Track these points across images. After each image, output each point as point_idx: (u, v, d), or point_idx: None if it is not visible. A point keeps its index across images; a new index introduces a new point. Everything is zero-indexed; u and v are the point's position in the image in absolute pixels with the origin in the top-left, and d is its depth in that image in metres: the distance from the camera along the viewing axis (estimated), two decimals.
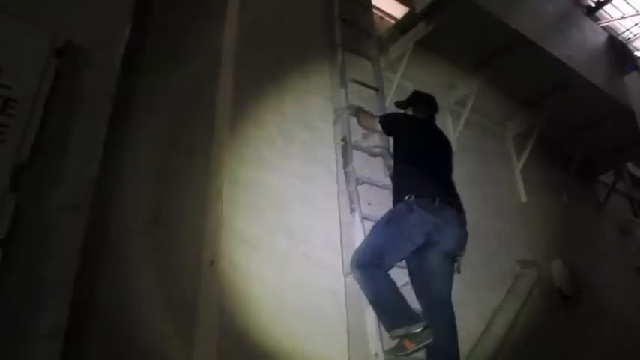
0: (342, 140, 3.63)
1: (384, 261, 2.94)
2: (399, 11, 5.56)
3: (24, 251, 2.63)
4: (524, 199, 5.65)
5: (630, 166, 7.65)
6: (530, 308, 4.87)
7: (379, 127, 3.61)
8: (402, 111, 3.75)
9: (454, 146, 4.96)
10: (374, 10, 5.29)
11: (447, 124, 5.16)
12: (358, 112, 3.75)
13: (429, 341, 2.75)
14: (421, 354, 2.88)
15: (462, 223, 3.17)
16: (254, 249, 3.03)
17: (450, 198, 3.17)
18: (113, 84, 3.20)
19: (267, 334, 2.89)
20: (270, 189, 3.28)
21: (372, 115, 3.73)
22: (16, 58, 2.92)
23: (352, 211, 3.34)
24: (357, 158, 3.58)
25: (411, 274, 3.15)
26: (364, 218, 3.32)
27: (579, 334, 5.31)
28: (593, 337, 5.41)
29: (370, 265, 2.93)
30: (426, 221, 2.98)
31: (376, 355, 2.89)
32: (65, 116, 2.98)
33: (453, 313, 3.03)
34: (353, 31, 4.49)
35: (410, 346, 2.76)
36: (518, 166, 5.76)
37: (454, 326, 2.99)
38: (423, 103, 3.72)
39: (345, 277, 3.29)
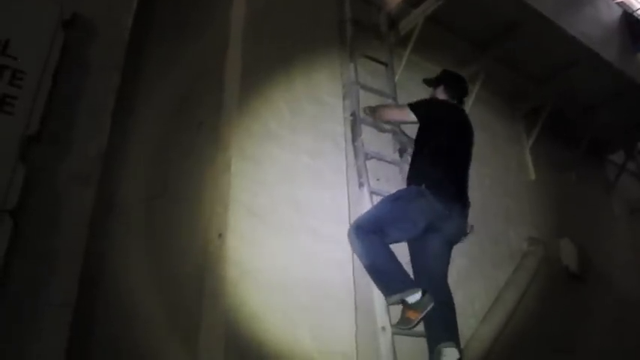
0: (351, 115, 3.61)
1: (383, 233, 2.92)
2: None
3: (34, 222, 2.66)
4: (533, 176, 5.60)
5: None
6: (537, 286, 4.86)
7: (408, 116, 3.40)
8: (429, 91, 3.68)
9: None
10: None
11: None
12: (375, 110, 3.61)
13: (431, 306, 2.75)
14: None
15: (465, 215, 3.20)
16: (262, 222, 3.03)
17: (460, 194, 3.20)
18: (121, 56, 3.20)
19: (275, 307, 2.91)
20: (279, 163, 3.27)
21: (395, 106, 3.62)
22: (24, 30, 2.92)
23: (360, 185, 3.33)
24: (366, 133, 3.56)
25: (411, 257, 3.15)
26: (372, 193, 3.32)
27: (586, 312, 5.31)
28: (601, 316, 5.41)
29: (369, 231, 2.90)
30: (433, 209, 3.00)
31: (383, 328, 2.91)
32: (73, 88, 2.99)
33: (450, 298, 3.03)
34: (362, 6, 4.44)
35: (414, 316, 2.78)
36: (528, 143, 5.70)
37: (451, 310, 2.98)
38: (455, 85, 3.63)
39: (353, 251, 3.29)
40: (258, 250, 2.99)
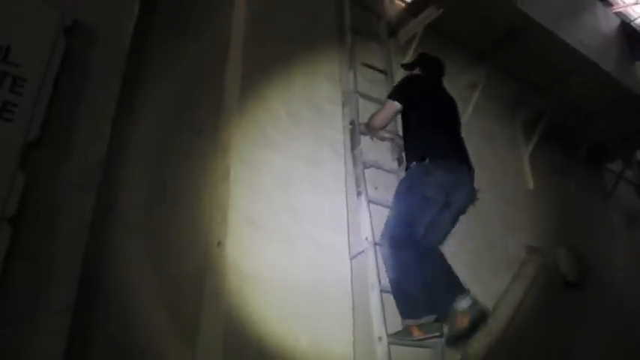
0: (350, 123, 3.63)
1: (415, 231, 2.94)
2: None
3: (33, 229, 2.65)
4: (531, 184, 5.61)
5: (639, 154, 7.59)
6: (535, 294, 4.85)
7: (393, 106, 3.42)
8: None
9: (463, 131, 4.95)
10: None
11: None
12: (368, 124, 3.59)
13: (436, 334, 2.77)
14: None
15: (473, 180, 3.24)
16: (260, 230, 3.04)
17: (463, 157, 3.24)
18: (121, 62, 3.20)
19: (273, 314, 2.92)
20: (278, 170, 3.28)
21: (379, 108, 3.59)
22: (25, 37, 2.92)
23: (359, 194, 3.34)
24: (365, 141, 3.57)
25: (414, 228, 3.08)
26: (370, 202, 3.33)
27: (585, 321, 5.31)
28: (599, 324, 5.41)
29: (404, 245, 2.90)
30: (444, 181, 3.05)
31: (380, 338, 2.91)
32: (74, 94, 2.99)
33: (442, 257, 3.04)
34: (363, 14, 4.46)
35: (417, 333, 2.80)
36: (527, 151, 5.71)
37: (444, 270, 2.95)
38: (429, 63, 3.71)
39: (350, 259, 3.31)
40: (256, 258, 3.00)
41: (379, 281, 3.04)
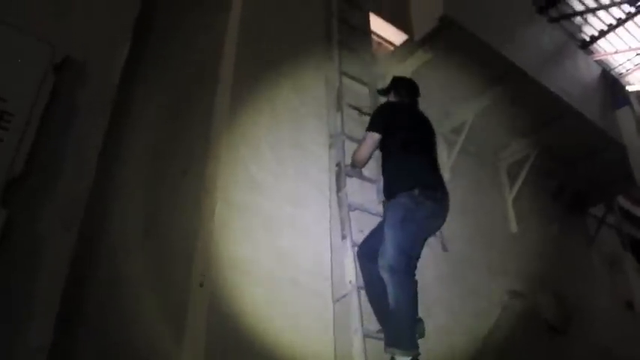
0: (336, 165, 3.64)
1: (412, 258, 3.06)
2: (398, 38, 5.62)
3: (13, 264, 2.62)
4: (514, 229, 5.65)
5: (621, 200, 7.70)
6: (518, 340, 4.85)
7: (373, 137, 3.41)
8: (384, 99, 3.81)
9: (448, 174, 5.00)
10: (373, 36, 5.36)
11: (442, 151, 5.17)
12: (352, 161, 3.60)
13: None
14: None
15: (448, 209, 3.31)
16: (244, 272, 3.01)
17: (443, 184, 3.32)
18: (110, 99, 3.22)
19: (255, 357, 2.87)
20: (262, 211, 3.27)
21: (360, 145, 3.55)
22: (15, 72, 2.94)
23: (343, 237, 3.34)
24: (350, 184, 3.58)
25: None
26: (355, 245, 3.32)
27: None
28: None
29: (403, 271, 2.99)
30: (432, 210, 3.15)
31: None
32: (61, 130, 3.00)
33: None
34: (351, 56, 4.53)
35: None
36: (510, 195, 5.77)
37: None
38: (403, 87, 3.77)
39: (333, 303, 3.28)
40: (239, 300, 2.96)
41: (362, 325, 3.02)
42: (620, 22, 8.50)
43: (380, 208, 3.61)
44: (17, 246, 2.66)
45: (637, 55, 8.98)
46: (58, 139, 2.97)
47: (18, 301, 2.61)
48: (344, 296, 3.20)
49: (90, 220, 2.92)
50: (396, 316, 2.94)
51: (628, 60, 9.09)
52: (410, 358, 2.81)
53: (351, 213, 3.46)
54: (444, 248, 3.37)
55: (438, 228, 3.38)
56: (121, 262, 3.00)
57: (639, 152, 6.11)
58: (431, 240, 4.28)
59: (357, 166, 3.58)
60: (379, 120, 3.50)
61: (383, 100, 3.90)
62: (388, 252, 3.04)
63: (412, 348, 2.86)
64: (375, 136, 3.41)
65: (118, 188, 3.18)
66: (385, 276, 3.00)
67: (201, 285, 2.91)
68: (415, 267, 3.11)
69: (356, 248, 3.31)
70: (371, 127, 3.46)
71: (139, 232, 3.09)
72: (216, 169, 3.22)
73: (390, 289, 2.97)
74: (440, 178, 3.39)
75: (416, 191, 3.11)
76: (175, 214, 3.17)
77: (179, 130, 3.47)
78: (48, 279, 2.71)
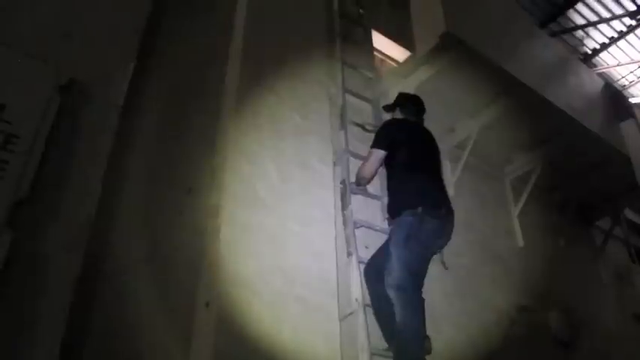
0: (341, 183, 3.64)
1: (418, 276, 3.06)
2: (401, 55, 5.65)
3: (18, 287, 2.61)
4: (521, 243, 5.62)
5: (627, 212, 7.66)
6: (526, 354, 4.81)
7: (378, 154, 3.41)
8: (390, 115, 3.82)
9: (452, 190, 5.00)
10: (375, 53, 5.39)
11: (446, 166, 5.18)
12: (356, 179, 3.59)
13: None
14: None
15: (453, 223, 3.32)
16: (250, 291, 3.01)
17: (447, 202, 3.33)
18: (115, 121, 3.23)
19: None
20: (268, 231, 3.27)
21: (364, 162, 3.55)
22: (20, 95, 2.95)
23: (349, 254, 3.33)
24: (356, 201, 3.58)
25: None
26: (361, 262, 3.32)
27: None
28: None
29: (410, 290, 2.99)
30: (437, 228, 3.17)
31: None
32: (66, 153, 3.00)
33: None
34: (354, 74, 4.55)
35: None
36: (516, 210, 5.75)
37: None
38: (410, 103, 3.79)
39: (340, 321, 3.27)
40: (245, 320, 2.95)
41: (369, 343, 3.00)
42: (622, 35, 8.53)
43: (385, 225, 3.61)
44: (22, 268, 2.64)
45: (639, 67, 8.99)
46: (63, 161, 2.96)
47: (23, 323, 2.60)
48: (350, 314, 3.19)
49: (95, 241, 2.91)
50: (403, 334, 2.94)
51: (631, 72, 9.10)
52: None
53: (356, 230, 3.45)
54: (445, 266, 3.35)
55: (443, 246, 3.38)
56: (127, 283, 2.99)
57: None
58: (437, 256, 4.30)
59: (361, 184, 3.56)
60: (384, 137, 3.49)
61: (387, 116, 3.90)
62: (395, 271, 3.03)
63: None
64: (380, 154, 3.41)
65: (123, 209, 3.18)
66: (392, 294, 2.99)
67: (207, 305, 2.91)
68: (422, 285, 3.10)
69: (362, 265, 3.30)
70: (376, 145, 3.46)
71: (145, 252, 3.08)
72: (220, 188, 3.23)
73: (397, 308, 2.96)
74: (445, 195, 3.39)
75: (420, 209, 3.11)
76: (181, 234, 3.16)
77: (184, 150, 3.48)
78: (53, 301, 2.69)
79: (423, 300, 3.03)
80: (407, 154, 3.36)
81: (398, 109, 3.76)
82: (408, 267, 3.03)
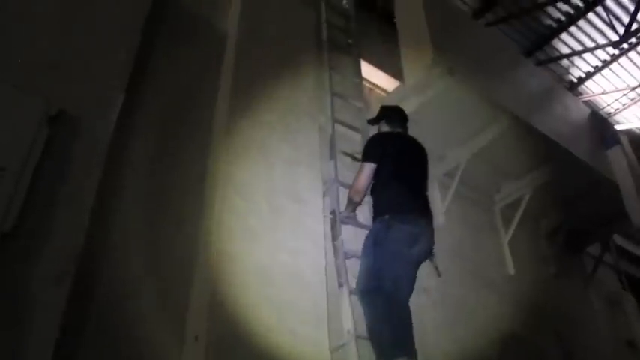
0: (331, 213, 3.62)
1: (384, 280, 3.01)
2: (390, 84, 5.71)
3: (4, 322, 2.56)
4: (511, 270, 5.61)
5: (617, 238, 7.69)
6: None
7: (369, 168, 3.40)
8: (375, 127, 3.87)
9: (442, 218, 5.00)
10: (364, 83, 5.44)
11: (436, 195, 5.19)
12: (347, 198, 3.57)
13: None
14: None
15: (432, 232, 3.32)
16: (240, 324, 2.97)
17: (423, 210, 3.34)
18: (103, 153, 3.21)
19: None
20: (258, 262, 3.25)
21: (357, 176, 3.51)
22: (8, 125, 2.93)
23: (340, 285, 3.30)
24: (346, 232, 3.56)
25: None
26: (352, 293, 3.28)
27: None
28: None
29: (371, 291, 3.01)
30: (405, 232, 3.14)
31: None
32: (53, 184, 2.97)
33: (410, 311, 3.06)
34: (343, 103, 4.58)
35: None
36: (506, 237, 5.76)
37: (411, 323, 3.00)
38: (392, 114, 3.84)
39: (331, 352, 3.22)
40: (236, 353, 2.91)
41: None
42: (606, 64, 8.67)
43: None
44: (8, 301, 2.60)
45: (624, 95, 9.13)
46: (51, 193, 2.93)
47: (9, 357, 2.54)
48: (342, 345, 3.14)
49: (84, 274, 2.87)
50: (375, 334, 2.95)
51: (616, 100, 9.23)
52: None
53: (347, 260, 3.43)
54: (438, 273, 3.34)
55: (426, 251, 3.30)
56: (116, 315, 2.94)
57: (632, 191, 6.13)
58: (429, 284, 4.28)
59: (354, 200, 3.53)
60: (374, 150, 3.53)
61: (374, 130, 3.93)
62: (359, 278, 3.14)
63: (401, 355, 2.82)
64: (371, 166, 3.43)
65: (112, 242, 3.14)
66: (359, 299, 3.06)
67: (196, 339, 2.87)
68: (407, 292, 3.10)
69: (353, 296, 3.27)
70: (366, 158, 3.49)
71: (133, 285, 3.05)
72: (210, 219, 3.22)
73: (364, 311, 3.01)
74: (421, 203, 3.39)
75: (387, 217, 3.17)
76: (170, 266, 3.13)
77: (174, 181, 3.47)
78: (39, 337, 2.64)
79: (405, 308, 3.03)
80: (388, 167, 3.40)
81: (383, 121, 3.80)
82: (370, 271, 3.08)
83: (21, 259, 2.73)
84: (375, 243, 3.16)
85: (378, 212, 3.31)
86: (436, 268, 3.36)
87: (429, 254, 3.32)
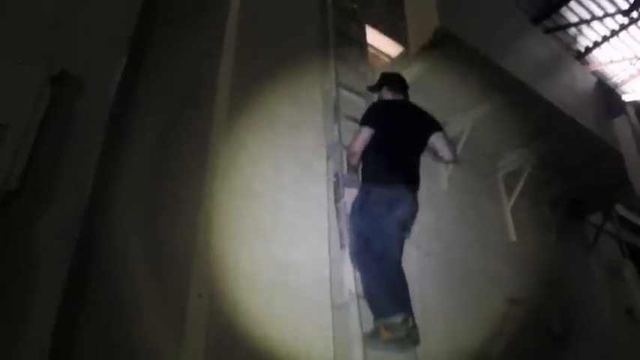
0: (334, 176, 3.64)
1: (372, 241, 3.12)
2: (394, 50, 5.66)
3: (10, 279, 2.60)
4: (513, 237, 5.65)
5: (619, 207, 7.70)
6: (518, 347, 4.83)
7: (367, 132, 3.44)
8: (375, 96, 3.88)
9: (445, 184, 5.01)
10: (369, 48, 5.39)
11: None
12: (347, 159, 3.61)
13: (403, 334, 2.88)
14: None
15: (414, 197, 3.37)
16: (242, 282, 3.01)
17: (405, 178, 3.38)
18: (106, 114, 3.21)
19: None
20: (261, 222, 3.27)
21: (353, 139, 3.55)
22: (11, 86, 2.93)
23: (342, 246, 3.34)
24: (349, 194, 3.58)
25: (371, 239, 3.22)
26: None
27: None
28: None
29: (361, 252, 3.14)
30: (383, 195, 3.24)
31: None
32: (57, 143, 2.98)
33: (403, 272, 3.16)
34: (348, 68, 4.55)
35: (385, 334, 2.90)
36: (508, 204, 5.78)
37: (406, 283, 3.10)
38: (392, 81, 3.84)
39: (333, 312, 3.27)
40: (238, 310, 2.95)
41: (362, 333, 3.00)
42: (615, 33, 8.56)
43: None
44: (13, 259, 2.63)
45: (631, 65, 9.03)
46: (55, 152, 2.94)
47: (14, 314, 2.58)
48: (343, 305, 3.19)
49: (88, 233, 2.90)
50: (370, 294, 3.04)
51: (623, 70, 9.13)
52: (400, 320, 2.87)
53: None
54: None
55: (408, 215, 3.34)
56: (120, 274, 2.98)
57: (636, 160, 6.12)
58: (431, 249, 4.32)
59: (351, 162, 3.55)
60: (372, 115, 3.56)
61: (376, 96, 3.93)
62: (350, 241, 3.26)
63: (397, 312, 2.90)
64: (368, 130, 3.46)
65: (116, 200, 3.16)
66: (353, 263, 3.18)
67: (200, 296, 2.90)
68: (395, 255, 3.16)
69: None
70: (364, 122, 3.53)
71: (138, 244, 3.07)
72: (214, 180, 3.23)
73: (360, 273, 3.12)
74: (407, 170, 3.42)
75: (368, 182, 3.33)
76: (174, 225, 3.15)
77: (177, 141, 3.46)
78: (45, 292, 2.68)
79: (397, 267, 3.12)
80: (379, 135, 3.42)
81: (384, 88, 3.79)
82: (358, 232, 3.21)
83: (25, 218, 2.76)
84: (360, 207, 3.28)
85: (362, 178, 3.42)
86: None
87: (412, 219, 3.37)
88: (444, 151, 3.66)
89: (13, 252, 2.60)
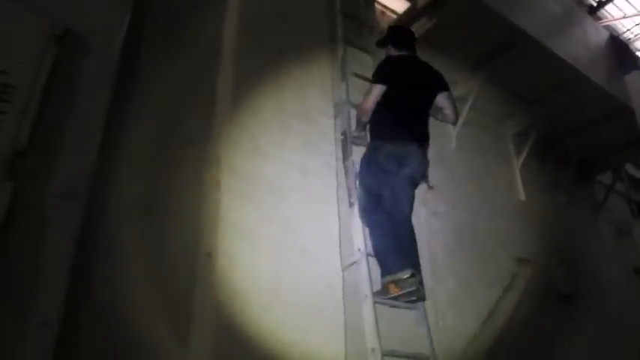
0: (342, 134, 3.61)
1: (381, 197, 3.17)
2: (401, 6, 5.54)
3: (20, 238, 2.60)
4: (522, 197, 5.63)
5: (629, 167, 7.64)
6: (527, 307, 4.86)
7: (378, 89, 3.39)
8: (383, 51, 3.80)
9: (453, 143, 4.97)
10: (375, 5, 5.28)
11: None
12: (357, 115, 3.62)
13: (411, 289, 2.93)
14: None
15: (424, 154, 3.36)
16: (251, 241, 3.01)
17: (413, 135, 3.35)
18: (112, 72, 3.17)
19: (264, 327, 2.88)
20: (268, 180, 3.26)
21: (365, 96, 3.52)
22: (15, 45, 2.89)
23: (350, 204, 3.32)
24: (357, 152, 3.55)
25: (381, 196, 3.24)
26: None
27: (576, 333, 5.30)
28: (591, 337, 5.41)
29: (371, 209, 3.18)
30: (391, 151, 3.24)
31: (373, 350, 2.87)
32: (63, 103, 2.95)
33: (412, 229, 3.19)
34: (354, 25, 4.47)
35: (393, 290, 2.95)
36: (517, 164, 5.74)
37: (414, 240, 3.14)
38: (400, 35, 3.80)
39: (342, 271, 3.28)
40: (246, 269, 2.96)
41: (372, 292, 3.02)
42: None
43: None
44: (23, 219, 2.64)
45: None
46: (61, 111, 2.92)
47: (26, 274, 2.60)
48: (353, 263, 3.20)
49: (95, 192, 2.90)
50: (379, 250, 3.08)
51: (636, 25, 8.91)
52: (407, 275, 2.92)
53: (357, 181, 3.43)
54: (428, 186, 3.49)
55: (417, 172, 3.31)
56: (128, 234, 2.99)
57: None
58: (439, 209, 4.31)
59: (362, 118, 3.53)
60: (384, 72, 3.50)
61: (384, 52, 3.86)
62: (359, 198, 3.27)
63: (405, 268, 2.94)
64: (380, 87, 3.41)
65: (123, 159, 3.15)
66: (362, 220, 3.19)
67: (208, 255, 2.91)
68: (405, 211, 3.17)
69: None
70: (376, 79, 3.47)
71: (146, 203, 3.08)
72: (221, 138, 3.20)
73: (369, 230, 3.15)
74: (416, 127, 3.40)
75: (376, 139, 3.34)
76: (182, 184, 3.15)
77: (184, 101, 3.43)
78: (55, 251, 2.69)
79: (407, 223, 3.14)
80: (388, 94, 3.38)
81: (390, 44, 3.72)
82: (367, 188, 3.24)
83: (35, 177, 2.75)
84: (368, 164, 3.29)
85: (371, 135, 3.43)
86: (427, 183, 3.45)
87: (421, 177, 3.37)
88: (448, 112, 3.62)
89: (24, 211, 2.60)
